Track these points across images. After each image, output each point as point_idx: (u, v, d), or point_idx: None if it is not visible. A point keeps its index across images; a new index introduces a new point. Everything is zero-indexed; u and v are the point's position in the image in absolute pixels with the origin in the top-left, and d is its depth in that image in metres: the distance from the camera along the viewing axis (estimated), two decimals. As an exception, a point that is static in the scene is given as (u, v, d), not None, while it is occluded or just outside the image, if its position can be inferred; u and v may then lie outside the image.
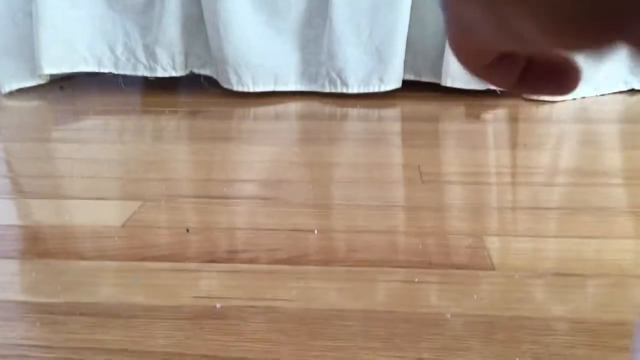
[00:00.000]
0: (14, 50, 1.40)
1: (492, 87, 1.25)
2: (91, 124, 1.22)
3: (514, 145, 1.06)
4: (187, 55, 1.40)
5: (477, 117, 1.25)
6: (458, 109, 1.30)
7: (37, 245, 0.71)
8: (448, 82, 1.34)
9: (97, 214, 0.79)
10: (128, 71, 1.41)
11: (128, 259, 0.67)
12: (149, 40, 1.38)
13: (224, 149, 1.04)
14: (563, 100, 1.34)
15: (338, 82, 1.36)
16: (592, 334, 0.53)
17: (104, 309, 0.58)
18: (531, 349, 0.51)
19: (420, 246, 0.69)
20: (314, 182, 0.89)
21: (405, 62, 1.37)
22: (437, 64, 1.37)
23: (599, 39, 0.15)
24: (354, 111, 1.29)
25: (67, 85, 1.46)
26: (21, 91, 1.41)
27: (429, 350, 0.51)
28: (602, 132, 1.14)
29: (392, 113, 1.30)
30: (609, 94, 1.39)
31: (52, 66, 1.37)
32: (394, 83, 1.36)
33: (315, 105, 1.33)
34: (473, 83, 1.31)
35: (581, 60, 0.19)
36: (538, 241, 0.70)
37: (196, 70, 1.42)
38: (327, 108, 1.31)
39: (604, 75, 1.37)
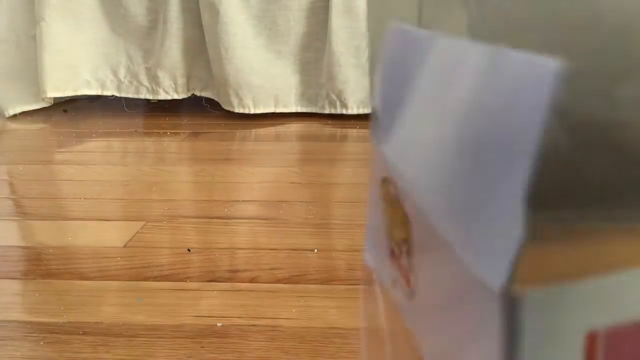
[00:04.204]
0: (17, 73, 1.42)
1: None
2: (94, 146, 1.23)
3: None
4: (188, 78, 1.42)
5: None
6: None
7: (39, 265, 0.72)
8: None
9: (99, 234, 0.80)
10: (130, 94, 1.42)
11: (130, 279, 0.68)
12: (151, 64, 1.40)
13: (225, 170, 1.06)
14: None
15: (338, 103, 1.37)
16: None
17: (107, 328, 0.58)
18: None
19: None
20: (314, 202, 0.89)
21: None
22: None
23: None
24: (353, 132, 1.30)
25: (70, 108, 1.48)
26: (25, 114, 1.43)
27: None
28: None
29: (392, 134, 1.31)
30: None
31: (56, 90, 1.39)
32: (393, 104, 1.38)
33: (315, 126, 1.34)
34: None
35: None
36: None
37: (198, 93, 1.43)
38: (327, 129, 1.33)
39: None
